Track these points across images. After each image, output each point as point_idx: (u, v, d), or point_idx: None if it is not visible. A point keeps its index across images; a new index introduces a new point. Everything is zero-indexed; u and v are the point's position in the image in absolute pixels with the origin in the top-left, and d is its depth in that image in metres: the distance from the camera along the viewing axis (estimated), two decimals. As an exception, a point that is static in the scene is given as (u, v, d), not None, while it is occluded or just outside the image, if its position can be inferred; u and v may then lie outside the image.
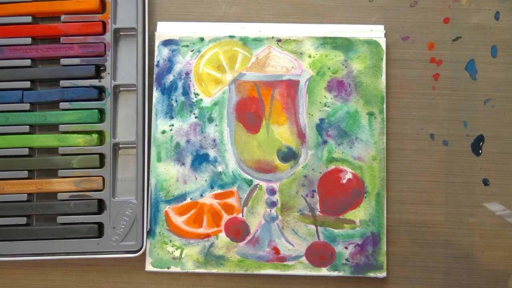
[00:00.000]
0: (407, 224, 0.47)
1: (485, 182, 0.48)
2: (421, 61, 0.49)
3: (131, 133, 0.48)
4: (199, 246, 0.47)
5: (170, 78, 0.48)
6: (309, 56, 0.48)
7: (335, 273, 0.46)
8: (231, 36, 0.48)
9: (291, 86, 0.48)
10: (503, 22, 0.49)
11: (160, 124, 0.48)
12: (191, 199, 0.47)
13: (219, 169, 0.47)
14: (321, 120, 0.47)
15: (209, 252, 0.46)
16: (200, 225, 0.47)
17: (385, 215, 0.47)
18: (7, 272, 0.48)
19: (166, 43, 0.49)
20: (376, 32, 0.49)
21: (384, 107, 0.47)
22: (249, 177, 0.47)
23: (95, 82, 0.48)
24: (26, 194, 0.47)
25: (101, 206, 0.47)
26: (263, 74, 0.48)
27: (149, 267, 0.47)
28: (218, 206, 0.47)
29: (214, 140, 0.48)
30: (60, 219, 0.46)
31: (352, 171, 0.47)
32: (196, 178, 0.47)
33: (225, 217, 0.47)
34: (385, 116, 0.47)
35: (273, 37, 0.48)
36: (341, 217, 0.47)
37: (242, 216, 0.47)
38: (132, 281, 0.47)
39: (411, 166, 0.48)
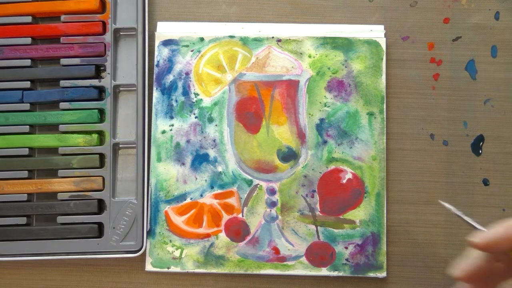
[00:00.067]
0: (407, 224, 0.47)
1: (485, 182, 0.48)
2: (421, 61, 0.49)
3: (131, 133, 0.48)
4: (199, 246, 0.47)
5: (170, 78, 0.48)
6: (309, 56, 0.48)
7: (335, 273, 0.46)
8: (231, 36, 0.48)
9: (291, 86, 0.48)
10: (503, 22, 0.49)
11: (160, 124, 0.48)
12: (191, 199, 0.47)
13: (219, 169, 0.47)
14: (321, 120, 0.47)
15: (209, 252, 0.46)
16: (200, 225, 0.47)
17: (385, 215, 0.47)
18: (7, 272, 0.48)
19: (166, 43, 0.49)
20: (376, 32, 0.49)
21: (384, 107, 0.47)
22: (249, 177, 0.47)
23: (95, 82, 0.48)
24: (26, 194, 0.47)
25: (101, 206, 0.47)
26: (263, 74, 0.48)
27: (149, 267, 0.47)
28: (218, 206, 0.47)
29: (214, 140, 0.48)
30: (60, 219, 0.46)
31: (352, 171, 0.47)
32: (196, 178, 0.47)
33: (225, 217, 0.47)
34: (385, 116, 0.47)
35: (273, 37, 0.48)
36: (341, 217, 0.47)
37: (242, 216, 0.47)
38: (132, 281, 0.47)
39: (411, 166, 0.48)
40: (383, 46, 0.48)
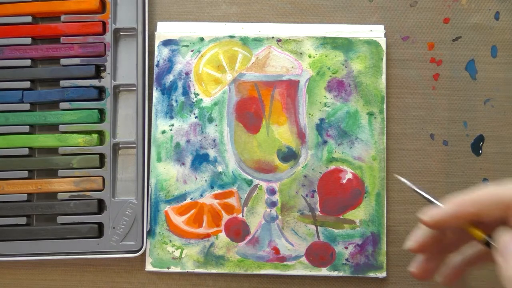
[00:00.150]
0: (407, 224, 0.47)
1: (485, 182, 0.48)
2: (421, 61, 0.49)
3: (131, 133, 0.48)
4: (199, 246, 0.47)
5: (170, 78, 0.48)
6: (309, 56, 0.48)
7: (335, 273, 0.46)
8: (231, 36, 0.48)
9: (291, 86, 0.48)
10: (503, 22, 0.49)
11: (160, 124, 0.48)
12: (191, 199, 0.47)
13: (219, 169, 0.47)
14: (321, 120, 0.47)
15: (209, 252, 0.46)
16: (200, 225, 0.47)
17: (385, 215, 0.46)
18: (7, 272, 0.48)
19: (166, 43, 0.49)
20: (376, 32, 0.49)
21: (384, 107, 0.47)
22: (249, 177, 0.47)
23: (95, 82, 0.48)
24: (26, 194, 0.47)
25: (101, 206, 0.47)
26: (263, 74, 0.48)
27: (149, 267, 0.47)
28: (218, 206, 0.47)
29: (214, 140, 0.48)
30: (60, 219, 0.46)
31: (352, 171, 0.47)
32: (196, 178, 0.47)
33: (225, 217, 0.47)
34: (385, 116, 0.47)
35: (273, 37, 0.48)
36: (341, 217, 0.47)
37: (242, 216, 0.47)
38: (132, 281, 0.47)
39: (411, 166, 0.48)
40: (383, 46, 0.48)
